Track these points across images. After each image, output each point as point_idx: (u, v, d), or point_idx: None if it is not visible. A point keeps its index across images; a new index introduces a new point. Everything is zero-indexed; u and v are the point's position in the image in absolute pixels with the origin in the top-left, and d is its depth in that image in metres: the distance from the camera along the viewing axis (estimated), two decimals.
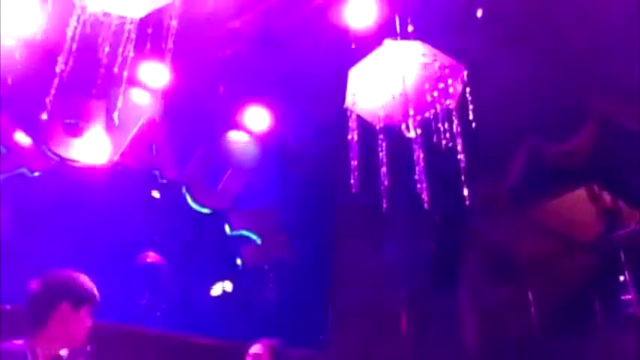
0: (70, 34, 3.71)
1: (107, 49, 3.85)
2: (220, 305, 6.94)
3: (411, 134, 4.40)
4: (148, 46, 4.10)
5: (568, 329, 6.38)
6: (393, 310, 6.86)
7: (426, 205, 4.44)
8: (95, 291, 2.47)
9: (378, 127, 4.53)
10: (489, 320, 6.88)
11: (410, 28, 4.32)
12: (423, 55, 4.17)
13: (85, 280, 2.46)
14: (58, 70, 3.85)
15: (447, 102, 4.32)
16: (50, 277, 2.44)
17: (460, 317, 6.85)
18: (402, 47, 4.21)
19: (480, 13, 4.96)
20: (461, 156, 4.35)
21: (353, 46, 4.83)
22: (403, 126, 4.43)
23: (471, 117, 4.28)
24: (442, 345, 6.44)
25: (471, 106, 4.25)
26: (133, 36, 3.82)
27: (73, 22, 3.76)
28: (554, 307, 6.86)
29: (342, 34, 5.17)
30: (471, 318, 6.88)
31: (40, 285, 2.39)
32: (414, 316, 6.93)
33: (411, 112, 4.40)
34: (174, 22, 3.92)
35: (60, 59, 3.77)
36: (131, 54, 3.92)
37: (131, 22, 3.79)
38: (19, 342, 2.30)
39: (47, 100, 4.02)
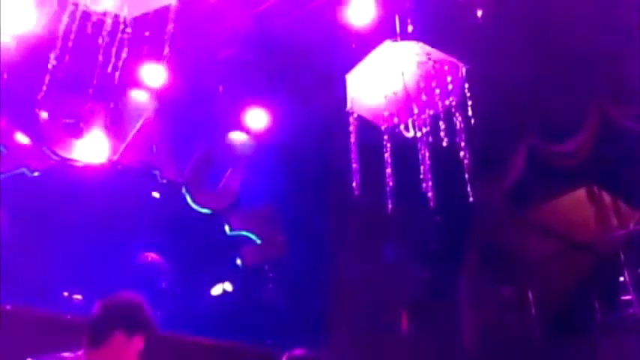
0: (62, 30, 3.70)
1: (105, 48, 3.85)
2: (220, 305, 6.95)
3: (410, 134, 4.40)
4: (147, 47, 4.10)
5: (568, 329, 6.38)
6: (393, 311, 6.87)
7: (428, 206, 4.43)
8: (151, 319, 2.51)
9: (382, 128, 4.52)
10: (489, 320, 6.88)
11: (410, 28, 4.32)
12: (421, 54, 4.15)
13: (144, 306, 2.51)
14: (57, 70, 3.86)
15: (449, 100, 4.30)
16: (110, 302, 2.50)
17: (460, 317, 6.85)
18: (398, 47, 4.20)
19: (479, 12, 4.96)
20: (461, 156, 4.34)
21: (353, 46, 4.83)
22: (402, 127, 4.42)
23: (470, 115, 4.28)
24: (442, 345, 6.44)
25: (469, 101, 4.24)
26: (127, 36, 3.82)
27: (72, 23, 3.76)
28: (554, 307, 6.87)
29: (342, 34, 5.17)
30: (471, 318, 6.88)
31: (100, 309, 2.47)
32: (414, 316, 6.93)
33: (414, 112, 4.40)
34: (171, 25, 3.92)
35: (51, 56, 3.77)
36: (131, 55, 3.93)
37: (125, 23, 3.78)
38: (68, 355, 2.39)
39: (46, 100, 4.01)
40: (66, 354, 2.42)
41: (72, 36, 3.80)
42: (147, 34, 4.03)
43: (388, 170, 4.49)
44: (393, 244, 6.78)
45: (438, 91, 4.27)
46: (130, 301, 2.53)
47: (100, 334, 2.43)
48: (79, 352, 2.43)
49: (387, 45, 4.17)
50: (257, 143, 7.03)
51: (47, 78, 3.96)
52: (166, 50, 3.98)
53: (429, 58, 4.11)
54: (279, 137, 6.91)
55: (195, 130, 6.68)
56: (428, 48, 4.14)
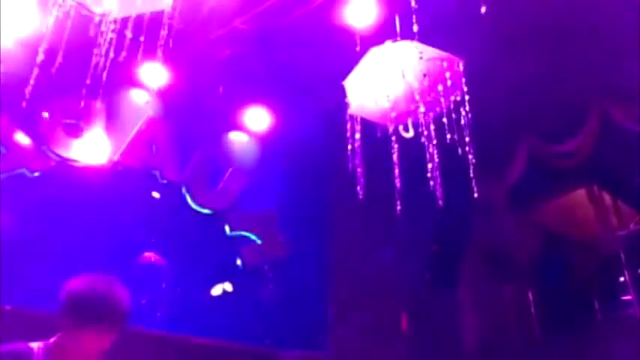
0: (49, 27, 3.70)
1: (101, 48, 3.85)
2: (220, 305, 6.94)
3: (410, 134, 4.40)
4: (147, 47, 4.10)
5: (568, 329, 6.37)
6: (393, 310, 6.86)
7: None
8: (111, 312, 2.24)
9: (383, 128, 4.52)
10: (489, 320, 6.88)
11: (415, 28, 4.31)
12: (417, 52, 4.14)
13: (104, 296, 2.23)
14: (57, 70, 3.86)
15: (452, 97, 4.30)
16: (66, 288, 2.29)
17: (460, 317, 6.85)
18: (395, 47, 4.20)
19: (483, 9, 4.95)
20: (461, 156, 4.34)
21: (357, 49, 4.82)
22: (401, 127, 4.42)
23: (467, 113, 4.28)
24: (442, 345, 6.44)
25: (467, 98, 4.24)
26: (126, 36, 3.82)
27: (73, 23, 3.76)
28: (554, 307, 6.86)
29: (343, 33, 5.16)
30: (471, 318, 6.88)
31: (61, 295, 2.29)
32: (414, 316, 6.93)
33: (414, 111, 4.40)
34: (171, 25, 3.92)
35: (40, 52, 3.76)
36: (131, 54, 3.93)
37: (124, 23, 3.78)
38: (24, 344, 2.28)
39: (47, 100, 4.01)
40: (34, 343, 2.27)
41: (68, 34, 3.81)
42: (142, 38, 4.01)
43: (387, 170, 4.49)
44: (394, 244, 6.77)
45: (440, 87, 4.27)
46: (84, 288, 2.23)
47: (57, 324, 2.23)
48: (50, 340, 2.29)
49: (384, 45, 4.17)
50: (257, 143, 7.03)
51: (47, 78, 3.96)
52: (169, 45, 3.98)
53: (422, 57, 4.11)
54: (280, 137, 6.91)
55: (196, 130, 6.68)
56: (422, 46, 4.14)
